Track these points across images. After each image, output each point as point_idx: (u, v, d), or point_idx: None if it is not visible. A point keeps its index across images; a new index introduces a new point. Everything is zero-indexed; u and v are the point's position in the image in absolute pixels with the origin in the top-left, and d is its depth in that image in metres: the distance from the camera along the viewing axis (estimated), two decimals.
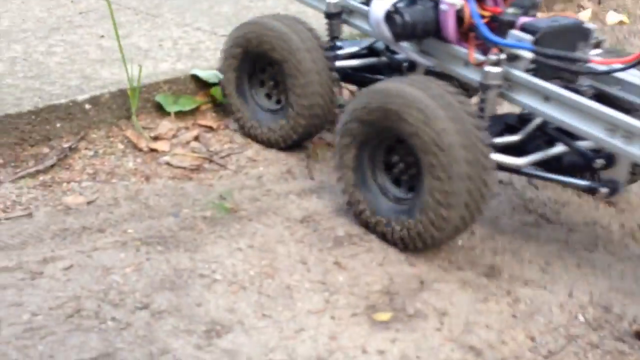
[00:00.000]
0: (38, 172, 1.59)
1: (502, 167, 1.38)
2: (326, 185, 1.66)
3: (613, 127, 1.20)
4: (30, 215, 1.44)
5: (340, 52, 1.73)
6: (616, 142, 1.20)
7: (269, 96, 1.78)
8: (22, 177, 1.57)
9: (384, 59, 1.72)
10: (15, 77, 1.86)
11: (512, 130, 1.43)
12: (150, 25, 2.39)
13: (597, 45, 1.43)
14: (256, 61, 1.74)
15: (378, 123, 1.36)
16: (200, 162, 1.71)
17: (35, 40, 2.17)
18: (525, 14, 1.39)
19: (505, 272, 1.38)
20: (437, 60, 1.48)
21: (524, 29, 1.34)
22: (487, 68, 1.32)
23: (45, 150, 1.68)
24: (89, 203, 1.50)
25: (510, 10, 1.39)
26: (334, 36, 1.72)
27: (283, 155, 1.79)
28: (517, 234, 1.52)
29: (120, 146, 1.75)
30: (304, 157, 1.78)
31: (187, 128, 1.87)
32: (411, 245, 1.36)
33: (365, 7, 1.55)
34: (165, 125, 1.85)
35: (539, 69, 1.34)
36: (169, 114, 1.88)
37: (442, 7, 1.37)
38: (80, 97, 1.76)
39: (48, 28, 2.30)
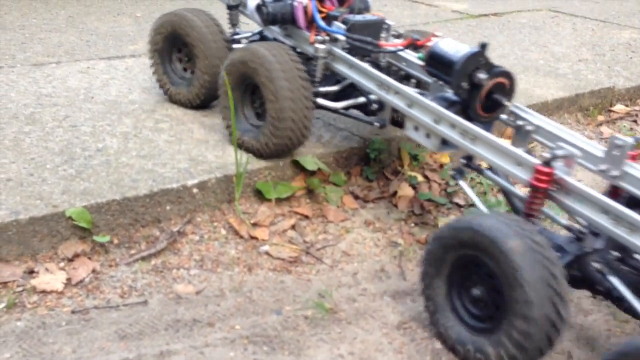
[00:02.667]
0: (150, 255, 1.69)
1: (325, 107, 1.99)
2: (419, 288, 1.69)
3: (381, 84, 1.80)
4: (145, 302, 1.52)
5: (237, 36, 2.32)
6: (382, 93, 1.80)
7: (184, 69, 2.35)
8: (136, 260, 1.67)
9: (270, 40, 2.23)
10: (129, 155, 1.99)
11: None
12: None
13: (398, 36, 2.04)
14: (174, 43, 2.31)
15: (241, 74, 1.94)
16: (298, 254, 1.78)
17: (143, 114, 2.32)
18: (359, 13, 2.00)
19: None
20: (294, 41, 2.07)
21: (343, 21, 1.94)
22: (317, 45, 1.92)
23: (156, 232, 1.78)
24: (197, 293, 1.58)
25: (340, 9, 2.00)
26: (233, 24, 2.33)
27: (376, 250, 1.84)
28: None
29: (223, 232, 1.84)
30: (397, 254, 1.83)
31: (283, 215, 1.95)
32: (258, 151, 1.97)
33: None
34: (264, 212, 1.94)
35: (352, 49, 1.92)
36: (267, 199, 1.97)
37: (294, 3, 1.98)
38: (190, 182, 1.86)
39: (153, 100, 2.45)
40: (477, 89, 1.62)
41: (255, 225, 1.88)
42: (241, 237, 1.83)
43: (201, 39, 2.16)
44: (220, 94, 2.03)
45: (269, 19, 1.98)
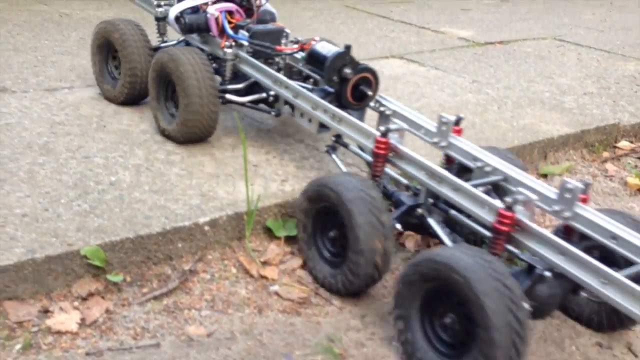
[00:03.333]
0: (162, 294, 1.71)
1: (234, 102, 2.33)
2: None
3: (275, 80, 2.17)
4: (157, 345, 1.55)
5: (164, 44, 2.63)
6: (276, 87, 2.18)
7: (116, 68, 2.68)
8: (149, 299, 1.69)
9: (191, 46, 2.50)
10: (142, 190, 2.02)
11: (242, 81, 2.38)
12: (255, 133, 2.55)
13: (297, 42, 2.31)
14: (109, 48, 2.65)
15: (162, 72, 2.28)
16: (307, 295, 1.81)
17: (154, 145, 2.35)
18: (264, 23, 2.34)
19: None
20: (209, 46, 2.40)
21: (248, 29, 2.28)
22: (225, 49, 2.26)
23: (167, 270, 1.81)
24: (209, 335, 1.60)
25: (247, 20, 2.33)
26: (162, 33, 2.65)
27: (384, 291, 1.86)
28: None
29: (234, 270, 1.87)
30: None
31: (292, 253, 1.98)
32: (174, 138, 2.32)
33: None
34: (273, 250, 1.96)
35: (255, 53, 2.27)
36: (276, 237, 2.00)
37: (208, 15, 2.27)
38: (202, 220, 1.89)
39: None
40: (346, 82, 2.02)
41: (264, 263, 1.91)
42: (251, 276, 1.85)
43: (125, 45, 2.50)
44: (149, 83, 2.38)
45: (186, 28, 2.32)
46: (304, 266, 1.93)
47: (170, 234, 1.83)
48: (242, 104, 2.36)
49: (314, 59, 2.11)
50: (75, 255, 1.68)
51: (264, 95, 2.34)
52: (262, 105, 2.39)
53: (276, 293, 1.80)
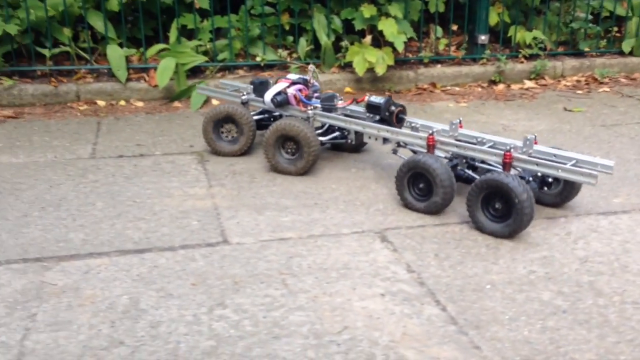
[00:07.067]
0: None
1: (324, 140, 3.42)
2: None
3: (347, 121, 3.26)
4: None
5: (258, 116, 3.73)
6: (349, 125, 3.26)
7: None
8: None
9: (271, 115, 3.76)
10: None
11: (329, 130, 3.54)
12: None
13: (353, 99, 3.45)
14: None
15: (283, 133, 3.24)
16: None
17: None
18: (318, 92, 3.51)
19: None
20: (290, 112, 3.47)
21: (317, 97, 3.44)
22: (308, 111, 3.32)
23: None
24: None
25: (312, 94, 3.46)
26: (248, 109, 3.63)
27: None
28: None
29: None
30: None
31: None
32: (293, 172, 3.28)
33: (261, 99, 3.59)
34: None
35: (324, 110, 3.33)
36: None
37: (288, 94, 3.41)
38: None
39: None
40: (392, 114, 3.22)
41: None
42: None
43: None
44: (268, 147, 3.31)
45: (277, 105, 3.44)
46: None
47: None
48: (325, 142, 3.48)
49: (372, 106, 3.27)
50: None
51: (336, 133, 3.48)
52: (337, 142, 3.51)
53: None
